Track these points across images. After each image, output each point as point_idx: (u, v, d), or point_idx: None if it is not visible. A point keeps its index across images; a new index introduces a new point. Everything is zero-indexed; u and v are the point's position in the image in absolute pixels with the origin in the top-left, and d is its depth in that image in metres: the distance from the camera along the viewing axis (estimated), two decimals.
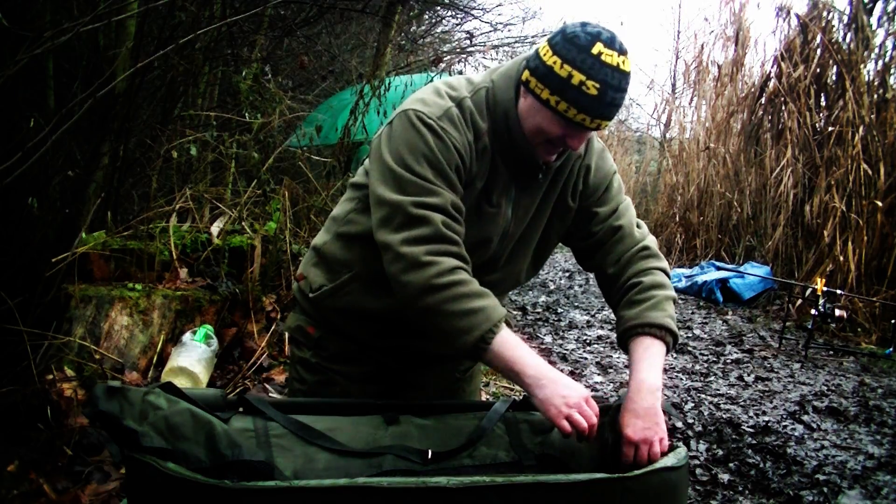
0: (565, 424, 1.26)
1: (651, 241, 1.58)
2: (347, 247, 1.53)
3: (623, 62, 1.30)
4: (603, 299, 6.81)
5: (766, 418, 3.53)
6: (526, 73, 1.37)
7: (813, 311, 4.83)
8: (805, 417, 3.55)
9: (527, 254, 1.57)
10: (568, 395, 1.27)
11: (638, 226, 1.60)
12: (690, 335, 5.39)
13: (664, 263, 1.56)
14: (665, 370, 4.52)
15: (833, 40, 6.60)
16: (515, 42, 9.11)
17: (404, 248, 1.30)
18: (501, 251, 1.52)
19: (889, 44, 6.42)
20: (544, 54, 1.33)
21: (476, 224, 1.45)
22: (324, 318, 1.59)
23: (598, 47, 1.28)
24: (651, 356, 1.40)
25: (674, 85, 12.54)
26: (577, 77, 1.28)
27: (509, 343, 1.30)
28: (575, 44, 1.30)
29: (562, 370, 4.27)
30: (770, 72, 7.36)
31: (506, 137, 1.42)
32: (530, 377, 1.29)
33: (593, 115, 1.32)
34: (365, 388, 1.60)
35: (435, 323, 1.31)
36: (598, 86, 1.28)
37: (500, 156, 1.43)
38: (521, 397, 1.53)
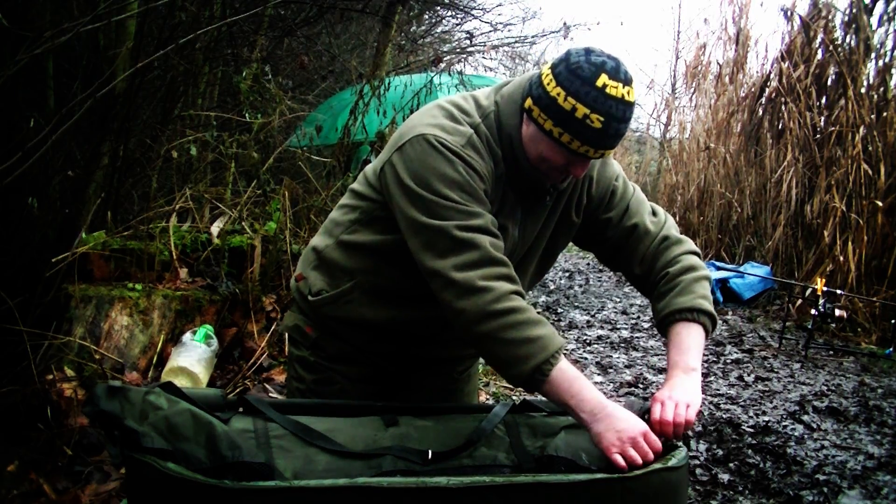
0: (618, 459, 1.23)
1: (669, 226, 1.57)
2: (350, 255, 1.52)
3: (628, 93, 1.30)
4: (603, 299, 6.84)
5: (766, 418, 3.53)
6: (529, 102, 1.36)
7: (813, 311, 4.83)
8: (805, 417, 3.55)
9: (529, 270, 1.59)
10: (623, 430, 1.25)
11: (654, 214, 1.59)
12: None
13: (689, 245, 1.56)
14: (665, 370, 4.50)
15: (833, 40, 6.60)
16: (515, 42, 9.11)
17: (456, 275, 1.28)
18: (523, 269, 1.54)
19: (889, 44, 6.43)
20: (547, 84, 1.32)
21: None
22: (322, 321, 1.58)
23: (602, 79, 1.28)
24: (681, 340, 1.43)
25: (674, 85, 12.55)
26: (582, 110, 1.28)
27: (568, 375, 1.28)
28: (579, 75, 1.28)
29: None
30: (770, 72, 7.36)
31: (512, 162, 1.42)
32: (587, 412, 1.27)
33: (597, 146, 1.32)
34: (363, 388, 1.60)
35: (492, 349, 1.30)
36: (602, 119, 1.28)
37: (509, 180, 1.44)
38: (521, 399, 1.53)
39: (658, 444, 1.27)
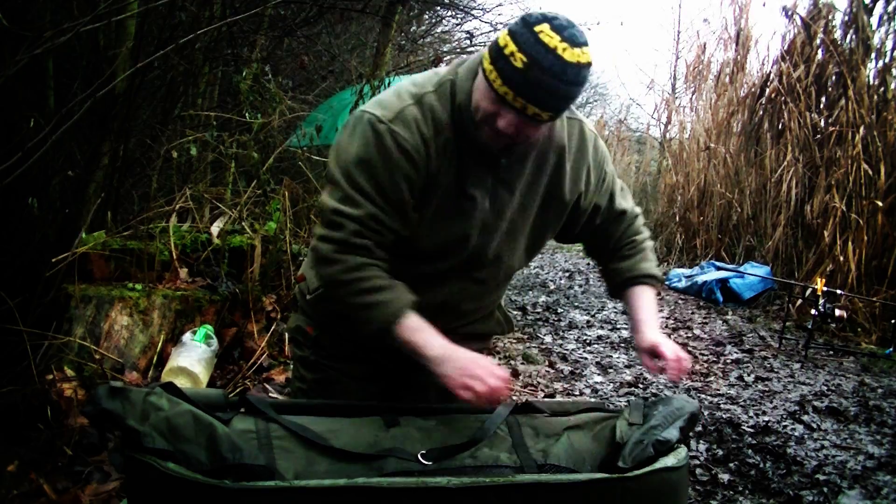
0: (462, 393, 1.31)
1: (630, 197, 1.70)
2: None
3: (564, 49, 1.25)
4: (603, 299, 6.82)
5: (766, 418, 3.53)
6: (485, 53, 1.36)
7: (813, 311, 4.83)
8: (805, 417, 3.55)
9: (516, 248, 1.55)
10: (465, 367, 1.32)
11: (622, 188, 1.68)
12: (690, 335, 5.39)
13: (640, 211, 1.73)
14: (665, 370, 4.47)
15: (833, 40, 6.60)
16: None
17: (317, 244, 1.41)
18: (485, 246, 1.49)
19: (889, 44, 6.43)
20: (501, 34, 1.34)
21: (452, 218, 1.44)
22: (320, 318, 1.60)
23: (542, 27, 1.26)
24: (649, 304, 1.64)
25: (674, 85, 12.56)
26: (510, 48, 1.27)
27: (412, 328, 1.36)
28: (525, 21, 1.29)
29: (562, 370, 4.28)
30: (770, 72, 7.36)
31: (461, 130, 1.40)
32: (431, 357, 1.35)
33: (515, 90, 1.27)
34: (365, 387, 1.60)
35: (347, 312, 1.43)
36: (525, 60, 1.25)
37: (462, 148, 1.41)
38: (523, 400, 1.53)
39: (502, 374, 1.34)
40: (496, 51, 1.29)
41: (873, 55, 6.37)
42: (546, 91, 1.27)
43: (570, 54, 1.25)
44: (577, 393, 3.91)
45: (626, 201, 1.67)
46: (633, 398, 3.80)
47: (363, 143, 1.36)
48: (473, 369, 1.32)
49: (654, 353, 1.51)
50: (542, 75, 1.25)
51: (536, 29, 1.26)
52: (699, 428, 3.34)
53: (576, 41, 1.27)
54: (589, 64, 1.29)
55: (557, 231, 1.61)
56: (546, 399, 1.41)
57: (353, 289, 1.37)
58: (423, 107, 1.39)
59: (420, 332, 1.37)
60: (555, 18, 1.28)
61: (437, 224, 1.43)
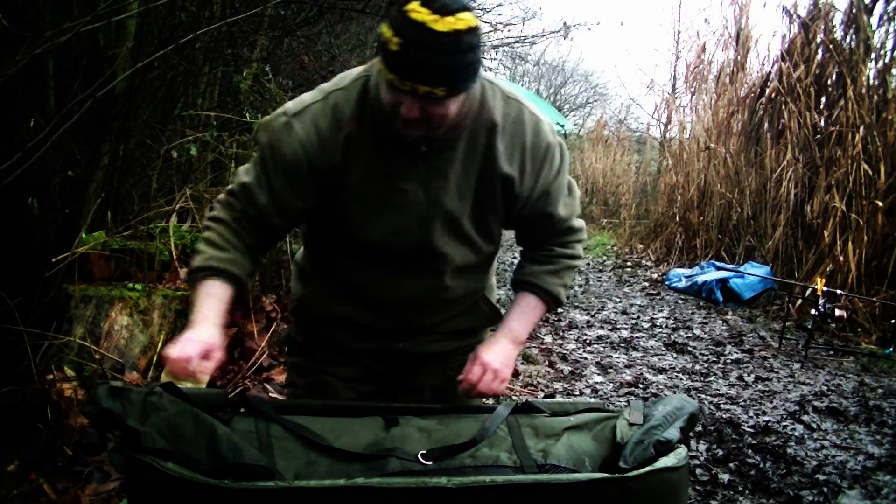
0: (166, 353, 1.32)
1: (575, 211, 1.60)
2: (309, 256, 1.65)
3: (435, 21, 1.22)
4: (603, 299, 6.82)
5: (766, 418, 3.53)
6: None
7: (813, 311, 4.83)
8: (805, 417, 3.55)
9: (463, 235, 1.51)
10: (184, 338, 1.32)
11: (570, 193, 1.58)
12: (690, 335, 5.39)
13: (582, 235, 1.63)
14: (665, 370, 4.49)
15: (833, 40, 6.60)
16: (515, 42, 9.11)
17: (217, 199, 1.52)
18: (429, 237, 1.47)
19: (889, 44, 6.43)
20: None
21: (387, 213, 1.45)
22: (304, 325, 1.65)
23: (412, 5, 1.24)
24: (527, 312, 1.57)
25: (674, 85, 12.56)
26: (387, 34, 1.26)
27: (204, 293, 1.40)
28: (398, 4, 1.27)
29: (562, 370, 4.28)
30: (770, 72, 7.36)
31: (373, 123, 1.41)
32: (192, 321, 1.37)
33: (399, 73, 1.26)
34: (358, 388, 1.60)
35: None
36: (399, 41, 1.24)
37: (390, 141, 1.41)
38: (524, 400, 1.53)
39: (193, 348, 1.31)
40: (378, 42, 1.29)
41: (873, 55, 6.37)
42: (426, 66, 1.25)
43: (443, 24, 1.23)
44: (577, 393, 3.91)
45: (563, 208, 1.56)
46: (633, 398, 3.80)
47: (269, 130, 1.46)
48: (182, 340, 1.32)
49: (473, 359, 1.51)
50: (418, 52, 1.24)
51: (406, 8, 1.24)
52: (699, 428, 3.34)
53: (447, 9, 1.24)
54: (469, 28, 1.26)
55: (502, 212, 1.54)
56: (546, 399, 1.41)
57: (202, 235, 1.48)
58: (328, 103, 1.43)
59: (204, 296, 1.39)
60: None
61: (374, 218, 1.45)
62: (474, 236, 1.52)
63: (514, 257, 9.51)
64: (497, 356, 1.45)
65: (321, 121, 1.42)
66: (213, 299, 1.39)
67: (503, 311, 1.67)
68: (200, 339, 1.32)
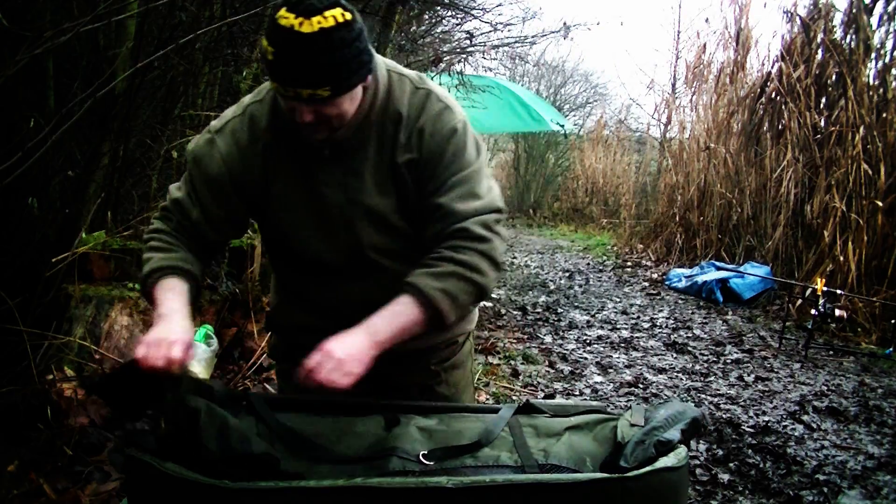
0: (137, 352, 1.26)
1: (476, 221, 1.40)
2: (272, 268, 1.70)
3: (301, 24, 1.23)
4: (603, 299, 6.83)
5: (766, 418, 3.53)
6: None
7: (813, 311, 4.83)
8: (805, 417, 3.55)
9: (394, 228, 1.49)
10: (155, 335, 1.29)
11: (473, 190, 1.42)
12: (690, 335, 5.39)
13: (481, 245, 1.39)
14: (665, 370, 4.49)
15: (833, 40, 6.60)
16: (515, 42, 9.09)
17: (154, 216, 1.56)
18: (356, 237, 1.47)
19: (889, 44, 6.43)
20: None
21: (311, 219, 1.47)
22: (282, 333, 1.70)
23: (280, 12, 1.26)
24: (395, 312, 1.35)
25: (674, 85, 12.55)
26: (264, 45, 1.28)
27: (161, 290, 1.41)
28: (271, 15, 1.29)
29: (562, 370, 4.28)
30: (770, 72, 7.36)
31: (284, 130, 1.43)
32: (155, 316, 1.36)
33: (280, 81, 1.28)
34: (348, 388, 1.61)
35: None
36: (272, 50, 1.26)
37: (304, 148, 1.43)
38: (524, 400, 1.53)
39: (177, 357, 1.26)
40: (261, 55, 1.32)
41: (873, 55, 6.37)
42: (300, 70, 1.26)
43: (308, 25, 1.24)
44: (577, 393, 3.91)
45: (459, 203, 1.41)
46: (633, 398, 3.79)
47: (195, 147, 1.50)
48: (159, 337, 1.28)
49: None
50: (289, 57, 1.25)
51: (277, 16, 1.26)
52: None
53: (313, 9, 1.24)
54: (340, 24, 1.25)
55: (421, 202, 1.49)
56: (547, 400, 1.39)
57: (145, 246, 1.49)
58: (245, 116, 1.47)
59: (163, 292, 1.40)
60: None
61: (301, 227, 1.48)
62: (407, 229, 1.50)
63: (514, 257, 9.52)
64: (344, 346, 1.29)
65: (239, 134, 1.45)
66: (173, 293, 1.40)
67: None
68: (177, 338, 1.28)
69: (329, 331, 1.50)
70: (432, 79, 5.66)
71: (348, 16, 1.27)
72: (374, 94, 1.41)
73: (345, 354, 1.28)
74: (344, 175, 1.44)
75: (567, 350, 4.80)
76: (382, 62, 1.47)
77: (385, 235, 1.48)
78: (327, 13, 1.25)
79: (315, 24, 1.24)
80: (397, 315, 1.35)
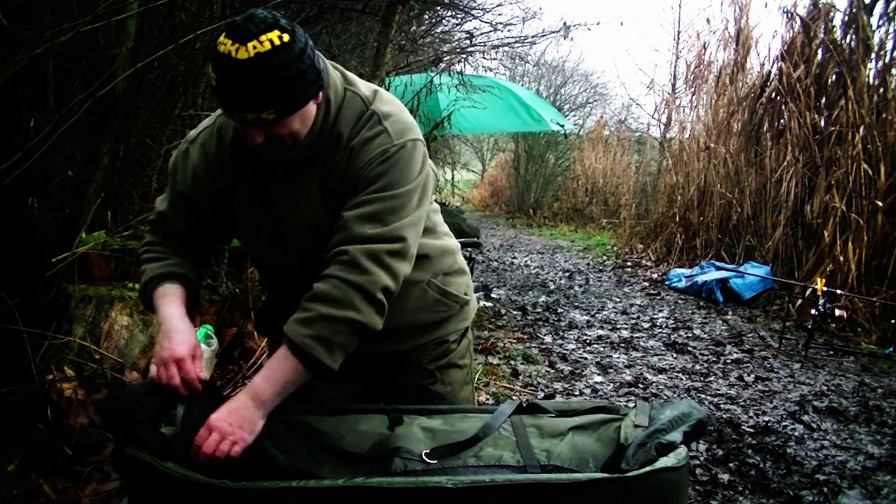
0: (151, 369, 1.34)
1: (363, 250, 1.34)
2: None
3: (237, 50, 1.24)
4: (603, 299, 6.83)
5: (766, 418, 3.53)
6: None
7: (813, 311, 4.83)
8: (805, 417, 3.55)
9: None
10: (164, 350, 1.34)
11: (380, 220, 1.37)
12: (690, 335, 5.39)
13: (357, 276, 1.33)
14: (665, 370, 4.48)
15: (833, 40, 6.59)
16: (515, 42, 9.09)
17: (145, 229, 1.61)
18: (306, 253, 1.49)
19: (889, 44, 6.43)
20: None
21: (266, 233, 1.51)
22: (270, 335, 1.75)
23: (221, 38, 1.27)
24: (276, 370, 1.31)
25: (674, 85, 12.55)
26: (209, 72, 1.33)
27: (159, 297, 1.46)
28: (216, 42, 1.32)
29: (562, 370, 4.28)
30: (770, 72, 7.36)
31: (242, 144, 1.45)
32: (158, 326, 1.40)
33: (225, 107, 1.31)
34: (342, 388, 1.62)
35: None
36: (214, 76, 1.28)
37: (253, 161, 1.47)
38: (526, 400, 1.53)
39: (191, 374, 1.33)
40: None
41: (873, 55, 6.37)
42: (241, 96, 1.27)
43: (244, 51, 1.25)
44: (576, 393, 3.91)
45: (358, 223, 1.36)
46: (633, 398, 3.79)
47: (174, 158, 1.56)
48: (166, 356, 1.33)
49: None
50: (229, 84, 1.27)
51: (217, 43, 1.28)
52: None
53: (249, 35, 1.25)
54: (274, 48, 1.25)
55: None
56: (551, 400, 1.38)
57: (140, 259, 1.54)
58: (214, 127, 1.52)
59: (163, 301, 1.45)
60: (232, 23, 1.28)
61: (258, 241, 1.54)
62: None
63: (514, 257, 9.52)
64: (227, 416, 1.25)
65: (208, 145, 1.50)
66: (170, 298, 1.45)
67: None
68: (184, 353, 1.34)
69: None
70: (431, 79, 5.59)
71: (286, 37, 1.27)
72: (327, 111, 1.42)
73: (228, 425, 1.24)
74: (294, 191, 1.47)
75: (567, 350, 4.80)
76: (339, 78, 1.47)
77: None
78: (263, 37, 1.26)
79: (251, 49, 1.25)
80: (276, 371, 1.31)
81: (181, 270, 1.50)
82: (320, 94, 1.38)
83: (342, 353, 1.33)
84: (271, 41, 1.26)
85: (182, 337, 1.37)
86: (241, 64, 1.25)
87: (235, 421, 1.25)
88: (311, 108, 1.37)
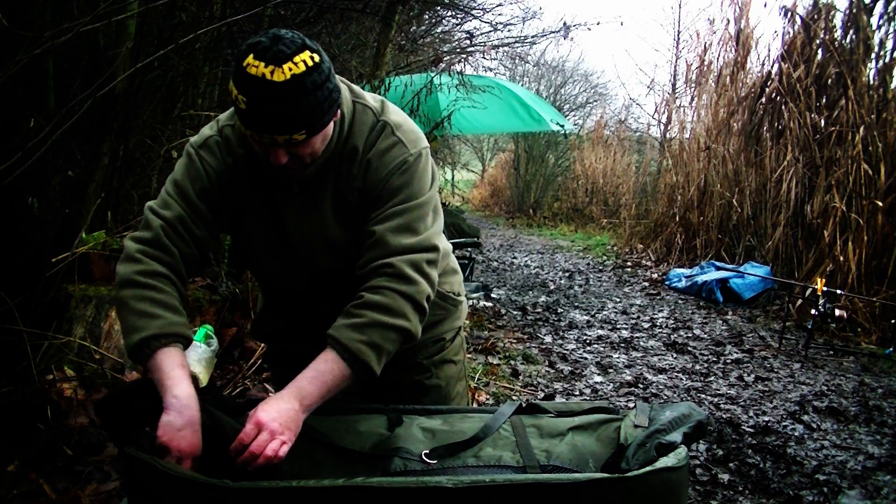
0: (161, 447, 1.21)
1: (405, 260, 1.38)
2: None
3: (272, 72, 1.23)
4: (603, 299, 6.82)
5: (766, 418, 3.53)
6: None
7: (813, 311, 4.83)
8: (805, 417, 3.55)
9: (351, 258, 1.48)
10: (165, 423, 1.22)
11: (412, 225, 1.41)
12: (690, 335, 5.39)
13: (407, 287, 1.37)
14: (665, 370, 4.49)
15: (833, 40, 6.59)
16: (515, 42, 9.10)
17: (126, 242, 1.41)
18: (317, 267, 1.51)
19: (889, 44, 6.43)
20: None
21: (276, 247, 1.51)
22: (267, 340, 1.78)
23: (247, 59, 1.25)
24: (323, 373, 1.31)
25: (674, 85, 12.55)
26: (234, 92, 1.27)
27: (169, 360, 1.29)
28: (237, 59, 1.28)
29: (562, 370, 4.28)
30: (770, 72, 7.36)
31: (255, 160, 1.44)
32: (165, 398, 1.24)
33: (254, 128, 1.28)
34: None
35: (120, 314, 1.37)
36: (244, 98, 1.25)
37: (264, 176, 1.45)
38: (526, 400, 1.53)
39: (192, 443, 1.22)
40: (231, 99, 1.30)
41: (873, 55, 6.37)
42: (276, 119, 1.26)
43: (279, 74, 1.24)
44: (576, 393, 3.91)
45: (394, 235, 1.39)
46: (633, 398, 3.79)
47: (180, 164, 1.48)
48: (166, 430, 1.21)
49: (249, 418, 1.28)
50: (263, 107, 1.25)
51: (244, 63, 1.25)
52: None
53: (283, 56, 1.24)
54: (310, 68, 1.26)
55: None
56: (551, 401, 1.38)
57: (144, 294, 1.34)
58: (222, 136, 1.47)
59: (170, 368, 1.28)
60: (258, 43, 1.26)
61: (267, 254, 1.52)
62: (355, 256, 1.50)
63: (514, 257, 9.52)
64: (276, 415, 1.24)
65: (221, 153, 1.47)
66: (171, 361, 1.30)
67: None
68: (191, 426, 1.23)
69: (305, 339, 1.52)
70: (431, 79, 5.60)
71: (316, 58, 1.28)
72: (341, 126, 1.43)
73: (277, 424, 1.23)
74: (306, 206, 1.47)
75: (567, 350, 4.80)
76: (347, 92, 1.47)
77: (345, 264, 1.49)
78: (297, 58, 1.25)
79: (287, 71, 1.24)
80: (323, 374, 1.31)
81: (177, 329, 1.33)
82: (339, 111, 1.39)
83: (387, 359, 1.36)
84: (304, 62, 1.26)
85: (185, 419, 1.24)
86: (277, 86, 1.24)
87: (284, 422, 1.24)
88: (331, 125, 1.38)
